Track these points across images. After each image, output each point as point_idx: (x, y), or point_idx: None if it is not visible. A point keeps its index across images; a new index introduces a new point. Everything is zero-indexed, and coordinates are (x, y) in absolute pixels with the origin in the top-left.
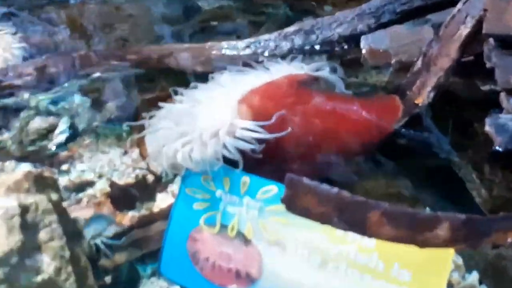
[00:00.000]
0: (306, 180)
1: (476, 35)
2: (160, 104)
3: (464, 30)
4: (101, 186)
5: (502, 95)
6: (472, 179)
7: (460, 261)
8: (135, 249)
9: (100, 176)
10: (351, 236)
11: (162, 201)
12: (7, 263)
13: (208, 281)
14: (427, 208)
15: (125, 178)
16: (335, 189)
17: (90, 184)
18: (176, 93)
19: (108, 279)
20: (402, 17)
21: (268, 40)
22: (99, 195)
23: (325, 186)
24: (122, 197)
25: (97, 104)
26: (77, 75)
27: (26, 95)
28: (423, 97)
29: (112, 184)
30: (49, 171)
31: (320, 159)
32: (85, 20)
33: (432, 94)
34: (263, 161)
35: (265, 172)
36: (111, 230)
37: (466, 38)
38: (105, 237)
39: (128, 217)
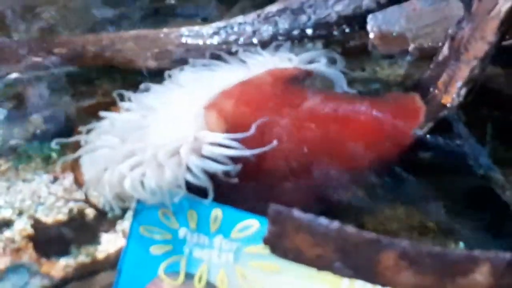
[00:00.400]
0: (296, 212)
1: None
2: (101, 113)
3: (505, 4)
4: (21, 226)
5: None
6: None
7: None
8: None
9: (20, 213)
10: (359, 284)
11: (109, 244)
12: None
13: None
14: (461, 245)
15: (55, 214)
16: (336, 224)
17: (7, 224)
18: (122, 98)
19: None
20: None
21: (243, 23)
22: (18, 239)
23: (322, 220)
24: (51, 240)
25: (16, 116)
26: None
27: None
28: (452, 95)
29: (37, 223)
30: None
31: (317, 181)
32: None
33: (463, 91)
34: (241, 188)
35: (243, 203)
36: (36, 284)
37: (507, 15)
38: None
39: (60, 266)
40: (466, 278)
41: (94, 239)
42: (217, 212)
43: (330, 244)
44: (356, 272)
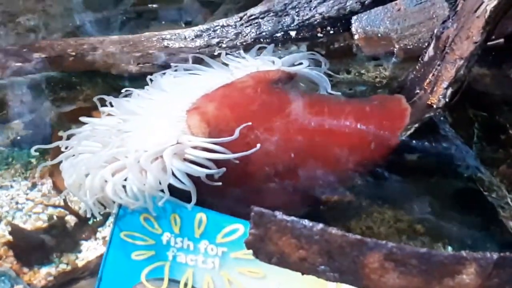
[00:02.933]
0: (279, 214)
1: (506, 9)
2: (82, 119)
3: (490, 3)
4: (0, 233)
5: None
6: (507, 204)
7: None
8: None
9: None
10: None
11: (90, 251)
12: None
13: None
14: (449, 247)
15: (33, 220)
16: (320, 226)
17: None
18: (103, 103)
19: None
20: None
21: (226, 26)
22: None
23: (305, 222)
24: (31, 247)
25: None
26: None
27: None
28: (437, 96)
29: (14, 230)
30: None
31: (302, 185)
32: None
33: (449, 92)
34: (225, 191)
35: (228, 207)
36: None
37: (493, 14)
38: None
39: (41, 275)
40: (453, 279)
41: (74, 246)
42: (201, 217)
43: (314, 247)
44: (341, 275)
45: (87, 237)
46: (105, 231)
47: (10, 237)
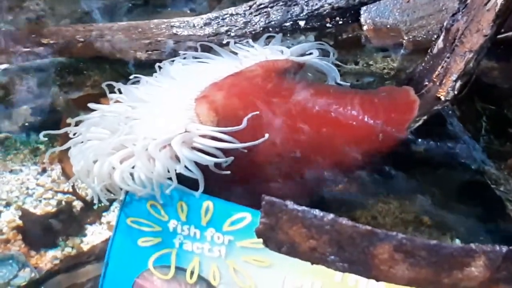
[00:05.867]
0: (290, 204)
1: None
2: (91, 105)
3: None
4: (9, 218)
5: None
6: None
7: None
8: None
9: (7, 204)
10: (353, 279)
11: (94, 235)
12: None
13: None
14: (456, 240)
15: (43, 205)
16: (331, 216)
17: None
18: (111, 90)
19: None
20: None
21: (235, 15)
22: (6, 230)
23: (316, 212)
24: (39, 231)
25: (4, 107)
26: None
27: None
28: (446, 89)
29: (25, 215)
30: None
31: (309, 175)
32: None
33: (458, 85)
34: (232, 180)
35: (235, 195)
36: (25, 277)
37: (503, 7)
38: (16, 286)
39: (48, 258)
40: (462, 272)
41: (80, 231)
42: (209, 205)
43: (324, 237)
44: (351, 266)
45: (92, 221)
46: (110, 216)
47: (20, 222)
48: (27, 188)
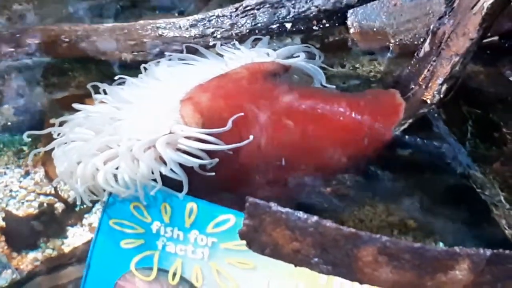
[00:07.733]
0: (274, 205)
1: (503, 6)
2: (75, 105)
3: (487, 0)
4: None
5: None
6: (500, 202)
7: None
8: None
9: None
10: (338, 282)
11: (76, 237)
12: None
13: None
14: (440, 243)
15: (25, 207)
16: (314, 218)
17: None
18: (96, 90)
19: None
20: None
21: (221, 16)
22: None
23: (300, 214)
24: (20, 233)
25: None
26: None
27: None
28: (432, 92)
29: (7, 216)
30: None
31: (294, 177)
32: None
33: (444, 88)
34: (217, 182)
35: (219, 197)
36: (6, 278)
37: (489, 11)
38: None
39: (29, 260)
40: (446, 275)
41: (61, 233)
42: (192, 206)
43: (308, 239)
44: (334, 268)
45: (73, 223)
46: (91, 218)
47: (3, 223)
48: (11, 191)
